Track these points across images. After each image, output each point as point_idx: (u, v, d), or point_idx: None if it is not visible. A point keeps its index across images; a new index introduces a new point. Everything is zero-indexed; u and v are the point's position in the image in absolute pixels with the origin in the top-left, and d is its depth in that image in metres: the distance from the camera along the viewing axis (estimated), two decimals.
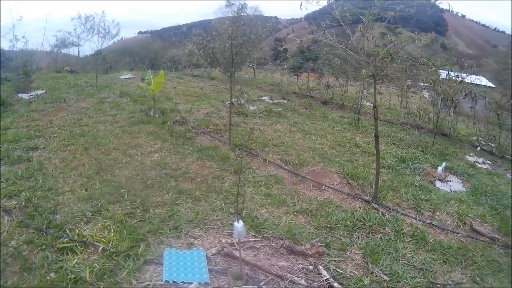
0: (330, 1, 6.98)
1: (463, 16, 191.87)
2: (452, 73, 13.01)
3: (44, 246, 4.65)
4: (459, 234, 6.05)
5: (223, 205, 6.12)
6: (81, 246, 4.72)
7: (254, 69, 27.69)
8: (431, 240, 5.64)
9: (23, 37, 16.86)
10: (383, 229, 5.82)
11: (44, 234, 4.92)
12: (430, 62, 8.56)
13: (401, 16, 6.21)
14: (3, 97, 12.10)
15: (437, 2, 6.23)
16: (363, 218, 6.05)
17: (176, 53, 28.41)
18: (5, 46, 19.12)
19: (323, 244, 5.07)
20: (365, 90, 16.15)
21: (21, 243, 4.72)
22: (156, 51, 32.91)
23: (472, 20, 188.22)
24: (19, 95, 13.22)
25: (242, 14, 8.76)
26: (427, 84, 15.82)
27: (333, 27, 6.73)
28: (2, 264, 4.31)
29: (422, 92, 20.04)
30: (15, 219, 5.24)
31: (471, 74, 14.55)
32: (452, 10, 6.85)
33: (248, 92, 16.40)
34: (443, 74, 13.46)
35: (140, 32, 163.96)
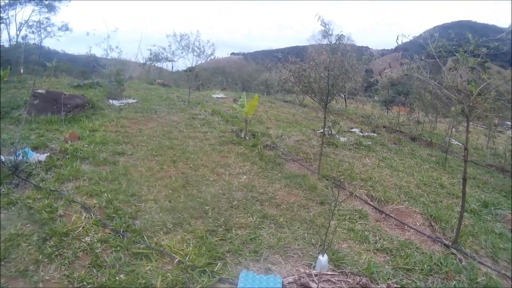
0: (422, 33, 6.84)
1: None
2: None
3: (118, 248, 4.83)
4: None
5: (306, 234, 6.07)
6: (157, 255, 4.83)
7: (346, 99, 27.58)
8: None
9: (117, 47, 18.01)
10: (458, 276, 5.59)
11: (121, 236, 5.11)
12: None
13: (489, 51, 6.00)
14: (93, 100, 12.82)
15: None
16: (440, 263, 5.83)
17: (269, 77, 28.89)
18: (99, 53, 20.56)
19: (398, 286, 5.00)
20: (454, 128, 15.61)
21: (96, 240, 4.93)
22: (250, 73, 33.73)
23: None
24: (110, 101, 13.98)
25: (339, 44, 8.74)
26: None
27: (425, 61, 6.62)
28: (72, 256, 4.53)
29: (509, 132, 19.14)
30: (93, 217, 5.49)
31: None
32: None
33: (339, 122, 16.33)
34: None
35: (232, 53, 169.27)
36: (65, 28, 34.76)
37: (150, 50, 25.20)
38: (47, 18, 35.48)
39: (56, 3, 35.55)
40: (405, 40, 6.64)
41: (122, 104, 13.81)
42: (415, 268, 5.58)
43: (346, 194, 8.25)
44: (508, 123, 18.72)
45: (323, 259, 4.44)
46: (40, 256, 4.42)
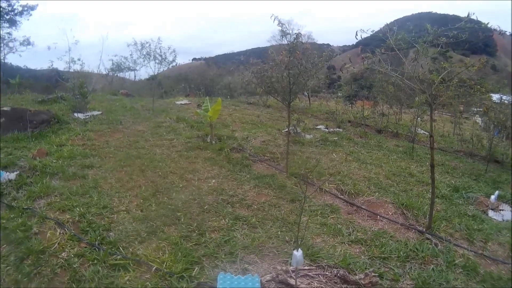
0: (382, 27, 6.96)
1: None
2: (504, 97, 12.94)
3: (95, 261, 4.80)
4: (509, 265, 5.90)
5: (279, 232, 6.12)
6: (134, 265, 4.82)
7: (309, 97, 27.73)
8: (482, 271, 5.52)
9: (79, 59, 17.69)
10: (436, 260, 5.73)
11: (97, 249, 5.07)
12: (483, 88, 8.38)
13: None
14: (59, 115, 12.62)
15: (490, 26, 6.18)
16: (416, 249, 5.97)
17: (232, 80, 28.87)
18: (61, 67, 20.18)
19: (376, 274, 5.05)
20: (419, 118, 15.92)
21: (72, 255, 4.88)
22: (212, 78, 33.65)
23: None
24: (75, 114, 13.72)
25: (297, 42, 8.78)
26: (480, 110, 15.42)
27: (386, 54, 6.73)
28: (51, 274, 4.48)
29: (475, 117, 19.58)
30: (67, 232, 5.43)
31: None
32: (502, 31, 6.72)
33: (304, 120, 16.43)
34: (494, 97, 13.18)
35: (194, 59, 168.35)
36: (27, 42, 33.73)
37: (112, 60, 24.90)
38: (9, 33, 34.47)
39: (17, 17, 34.65)
40: (365, 35, 6.71)
41: (87, 116, 13.62)
42: (391, 256, 5.69)
43: (316, 190, 8.30)
44: (474, 109, 19.04)
45: (298, 254, 4.49)
46: (19, 276, 4.37)
